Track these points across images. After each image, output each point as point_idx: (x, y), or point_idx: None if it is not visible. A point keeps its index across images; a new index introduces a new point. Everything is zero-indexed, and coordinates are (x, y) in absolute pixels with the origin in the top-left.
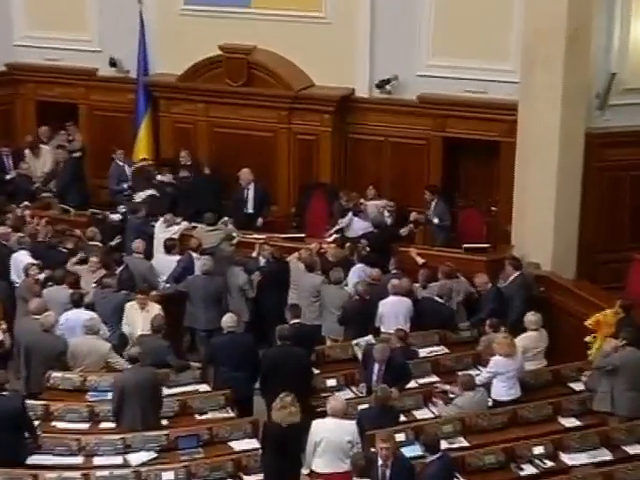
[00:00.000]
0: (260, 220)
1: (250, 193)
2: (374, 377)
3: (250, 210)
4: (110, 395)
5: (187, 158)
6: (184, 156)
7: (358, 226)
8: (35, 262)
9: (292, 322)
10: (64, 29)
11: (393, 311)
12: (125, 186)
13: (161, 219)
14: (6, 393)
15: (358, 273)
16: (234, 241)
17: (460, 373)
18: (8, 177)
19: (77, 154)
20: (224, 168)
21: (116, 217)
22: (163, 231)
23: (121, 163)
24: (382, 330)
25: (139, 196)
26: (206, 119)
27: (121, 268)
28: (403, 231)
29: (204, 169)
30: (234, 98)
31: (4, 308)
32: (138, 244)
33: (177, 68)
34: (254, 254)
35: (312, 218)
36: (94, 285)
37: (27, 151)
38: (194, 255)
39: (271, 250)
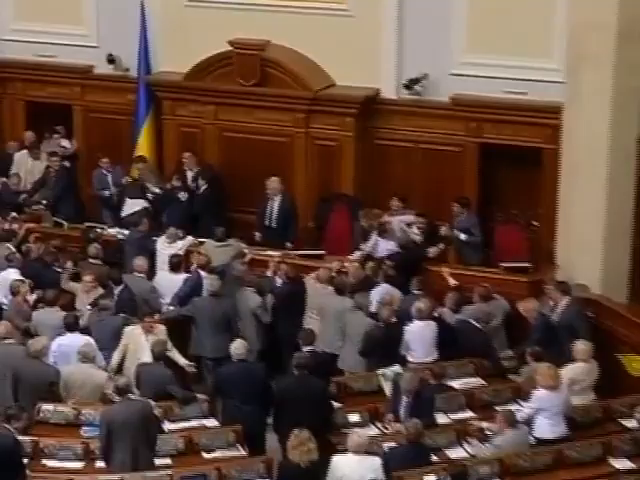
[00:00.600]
0: (290, 241)
1: (275, 205)
2: (402, 410)
3: (273, 224)
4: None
5: (192, 164)
6: (188, 160)
7: (383, 247)
8: (22, 279)
9: (306, 349)
10: (57, 22)
11: (420, 337)
12: (107, 193)
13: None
14: None
15: (382, 295)
16: (246, 258)
17: (499, 408)
18: None
19: (66, 162)
20: (234, 176)
21: (114, 231)
22: (166, 247)
23: (105, 172)
24: (409, 359)
25: (129, 206)
26: (215, 122)
27: (120, 288)
28: (432, 252)
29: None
30: (246, 99)
31: None
32: (140, 262)
33: (182, 66)
34: (269, 273)
35: (332, 233)
36: (89, 307)
37: (18, 155)
38: (203, 274)
39: (286, 269)
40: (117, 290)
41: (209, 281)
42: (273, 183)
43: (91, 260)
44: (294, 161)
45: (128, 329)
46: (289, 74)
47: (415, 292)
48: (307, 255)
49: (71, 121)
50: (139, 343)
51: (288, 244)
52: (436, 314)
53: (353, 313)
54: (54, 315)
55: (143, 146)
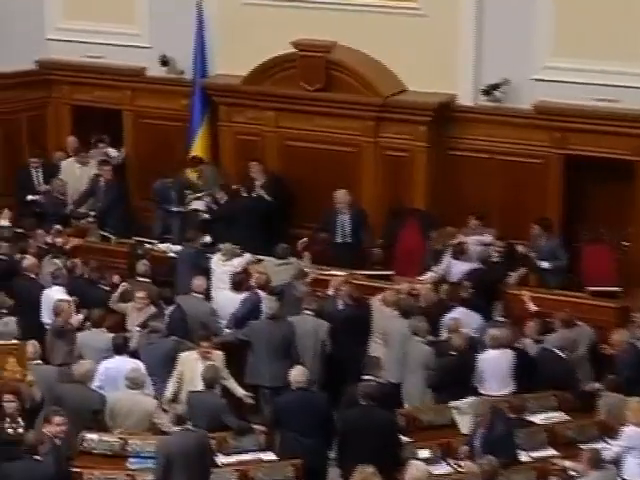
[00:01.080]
0: (377, 251)
1: (346, 219)
2: (477, 444)
3: (348, 239)
4: (154, 463)
5: (259, 173)
6: (254, 169)
7: (458, 270)
8: (69, 298)
9: (372, 378)
10: (107, 20)
11: (495, 368)
12: (173, 208)
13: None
14: (39, 458)
15: (455, 321)
16: (308, 278)
17: (583, 446)
18: (30, 197)
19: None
20: (296, 189)
21: (165, 247)
22: (222, 264)
23: (169, 185)
24: (482, 392)
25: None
26: (275, 130)
27: (172, 309)
28: (512, 278)
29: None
30: (310, 105)
31: None
32: (199, 282)
33: (241, 69)
34: (329, 292)
35: (402, 252)
36: (138, 329)
37: (65, 163)
38: (262, 294)
39: (349, 290)
40: (168, 311)
41: (268, 303)
42: (343, 196)
43: (139, 278)
44: (361, 173)
45: (183, 355)
46: (357, 78)
47: (498, 320)
48: (374, 275)
49: (120, 127)
50: (195, 371)
51: (377, 251)
52: (518, 345)
53: (411, 339)
54: (100, 337)
55: (197, 154)
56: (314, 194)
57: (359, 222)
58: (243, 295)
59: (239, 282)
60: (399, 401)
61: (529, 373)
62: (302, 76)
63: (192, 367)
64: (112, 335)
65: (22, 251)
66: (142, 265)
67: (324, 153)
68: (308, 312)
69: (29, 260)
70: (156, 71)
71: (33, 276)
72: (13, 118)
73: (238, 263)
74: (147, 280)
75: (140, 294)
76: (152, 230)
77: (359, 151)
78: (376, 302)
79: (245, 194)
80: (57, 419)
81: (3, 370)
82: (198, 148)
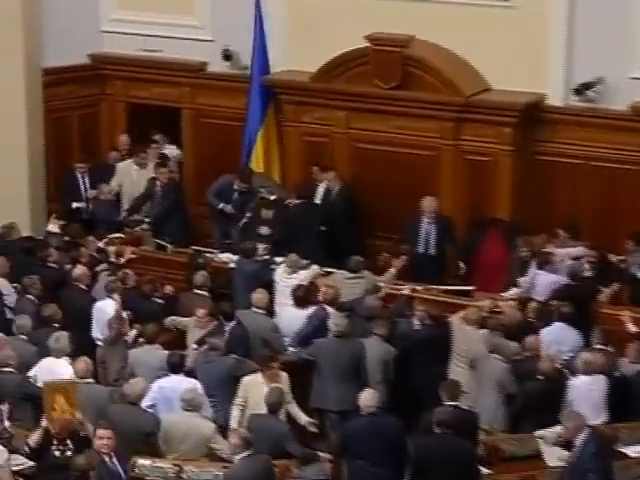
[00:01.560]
0: (462, 265)
1: (433, 229)
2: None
3: (431, 251)
4: None
5: (334, 180)
6: (331, 178)
7: (544, 281)
8: (124, 313)
9: (449, 403)
10: (165, 11)
11: (586, 396)
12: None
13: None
14: None
15: (556, 337)
16: (380, 293)
17: None
18: (76, 205)
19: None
20: (367, 195)
21: (226, 257)
22: (287, 278)
23: (236, 188)
24: None
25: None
26: (346, 132)
27: (232, 325)
28: (605, 294)
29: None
30: (384, 104)
31: None
32: (260, 295)
33: (309, 64)
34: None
35: (484, 265)
36: (195, 346)
37: (122, 165)
38: (330, 310)
39: (426, 307)
40: (228, 327)
41: (335, 319)
42: (430, 203)
43: (196, 291)
44: (440, 179)
45: (247, 380)
46: (436, 75)
47: (598, 346)
48: (453, 291)
49: (178, 127)
50: (261, 396)
51: (461, 266)
52: (614, 371)
53: (488, 358)
54: (154, 354)
55: (258, 158)
56: (386, 202)
57: (445, 232)
58: (309, 311)
59: (301, 297)
60: (479, 429)
61: (625, 401)
62: (376, 73)
63: (257, 392)
64: (167, 352)
65: (73, 260)
66: (200, 276)
67: (398, 157)
68: (376, 336)
69: (80, 270)
70: (218, 66)
71: (83, 287)
72: (63, 116)
73: (304, 276)
74: (205, 293)
75: (201, 311)
76: (213, 237)
77: (437, 155)
78: (456, 321)
79: (309, 201)
80: (101, 432)
81: (52, 410)
82: (258, 151)
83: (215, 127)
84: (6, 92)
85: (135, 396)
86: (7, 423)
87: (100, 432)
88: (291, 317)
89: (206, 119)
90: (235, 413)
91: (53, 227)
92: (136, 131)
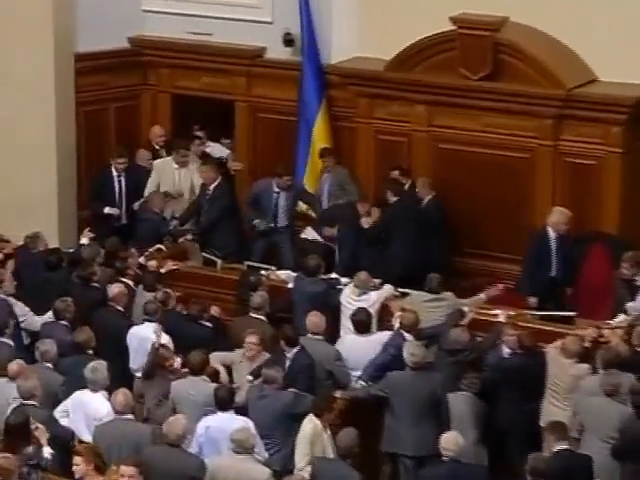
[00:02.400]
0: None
1: (553, 247)
2: None
3: (552, 273)
4: None
5: (425, 188)
6: (421, 185)
7: None
8: (162, 340)
9: (556, 448)
10: None
11: None
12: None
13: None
14: None
15: None
16: (466, 319)
17: None
18: (108, 210)
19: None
20: (453, 205)
21: (285, 275)
22: (355, 300)
23: (276, 190)
24: None
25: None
26: (427, 129)
27: (294, 352)
28: None
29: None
30: (471, 98)
31: None
32: (315, 319)
33: (384, 51)
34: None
35: (587, 287)
36: (250, 378)
37: (159, 163)
38: (408, 337)
39: (517, 335)
40: (291, 354)
41: (411, 349)
42: (561, 216)
43: (252, 314)
44: (535, 186)
45: (308, 429)
46: (532, 64)
47: None
48: (551, 316)
49: (232, 122)
50: (324, 444)
51: (532, 299)
52: None
53: (597, 397)
54: (200, 387)
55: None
56: (473, 213)
57: (569, 252)
58: (376, 338)
59: (362, 321)
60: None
61: None
62: (463, 61)
63: (321, 442)
64: (214, 386)
65: (114, 277)
66: (258, 297)
67: (487, 160)
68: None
69: (117, 288)
70: (278, 52)
71: (120, 308)
72: (99, 110)
73: (377, 298)
74: (262, 317)
75: (252, 339)
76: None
77: (533, 157)
78: (552, 351)
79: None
80: (124, 469)
81: None
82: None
83: (274, 123)
84: (33, 81)
85: (175, 437)
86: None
87: (123, 469)
88: (359, 346)
89: (264, 114)
90: (299, 458)
91: (86, 241)
92: (182, 127)
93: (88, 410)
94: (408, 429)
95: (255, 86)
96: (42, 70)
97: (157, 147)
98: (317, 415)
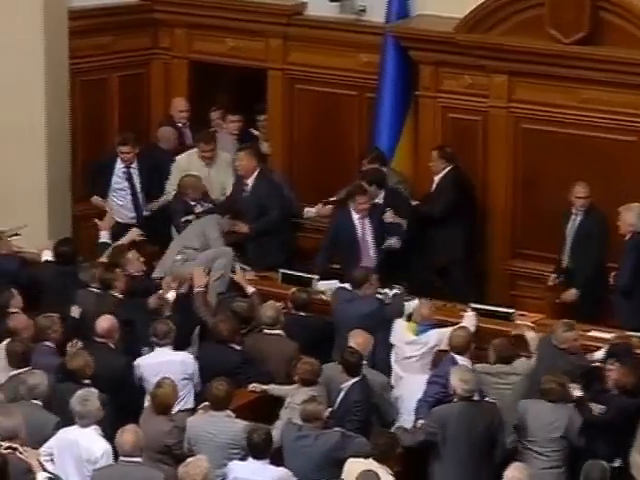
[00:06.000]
0: None
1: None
2: None
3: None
4: None
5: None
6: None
7: None
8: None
9: None
10: None
11: None
12: None
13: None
14: None
15: None
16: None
17: None
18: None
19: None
20: (539, 195)
21: (326, 286)
22: (410, 342)
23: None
24: None
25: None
26: (507, 105)
27: (351, 383)
28: None
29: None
30: (563, 66)
31: None
32: (361, 340)
33: (453, 9)
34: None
35: None
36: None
37: (183, 159)
38: (461, 361)
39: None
40: (345, 386)
41: (461, 375)
42: None
43: (267, 331)
44: (637, 172)
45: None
46: None
47: None
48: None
49: (264, 95)
50: None
51: None
52: None
53: None
54: (223, 424)
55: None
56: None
57: None
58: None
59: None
60: None
61: None
62: (552, 21)
63: None
64: (242, 424)
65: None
66: (270, 308)
67: (584, 143)
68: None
69: (105, 322)
70: (321, 9)
71: (112, 345)
72: (98, 80)
73: (437, 339)
74: (279, 332)
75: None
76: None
77: (638, 141)
78: None
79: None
80: None
81: None
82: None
83: (316, 96)
84: (16, 44)
85: None
86: None
87: None
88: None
89: (303, 85)
90: None
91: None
92: (201, 103)
93: (78, 451)
94: (462, 469)
95: (293, 51)
96: (27, 30)
97: (180, 124)
98: (378, 460)
